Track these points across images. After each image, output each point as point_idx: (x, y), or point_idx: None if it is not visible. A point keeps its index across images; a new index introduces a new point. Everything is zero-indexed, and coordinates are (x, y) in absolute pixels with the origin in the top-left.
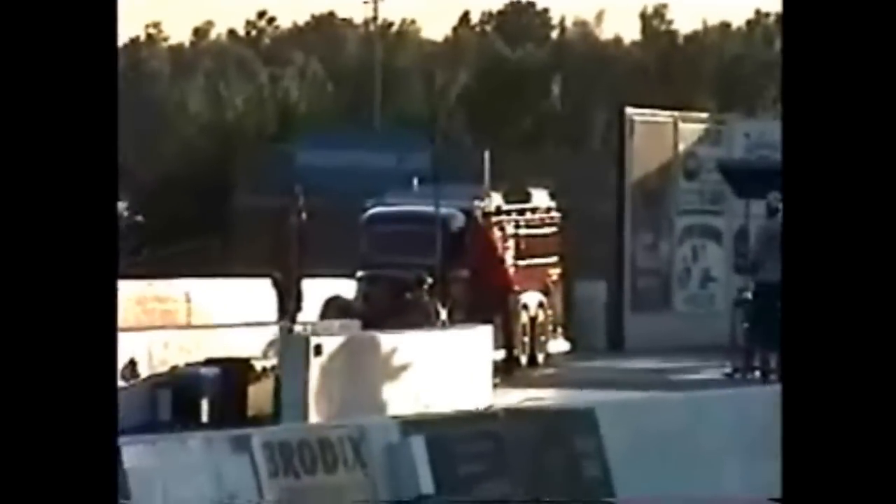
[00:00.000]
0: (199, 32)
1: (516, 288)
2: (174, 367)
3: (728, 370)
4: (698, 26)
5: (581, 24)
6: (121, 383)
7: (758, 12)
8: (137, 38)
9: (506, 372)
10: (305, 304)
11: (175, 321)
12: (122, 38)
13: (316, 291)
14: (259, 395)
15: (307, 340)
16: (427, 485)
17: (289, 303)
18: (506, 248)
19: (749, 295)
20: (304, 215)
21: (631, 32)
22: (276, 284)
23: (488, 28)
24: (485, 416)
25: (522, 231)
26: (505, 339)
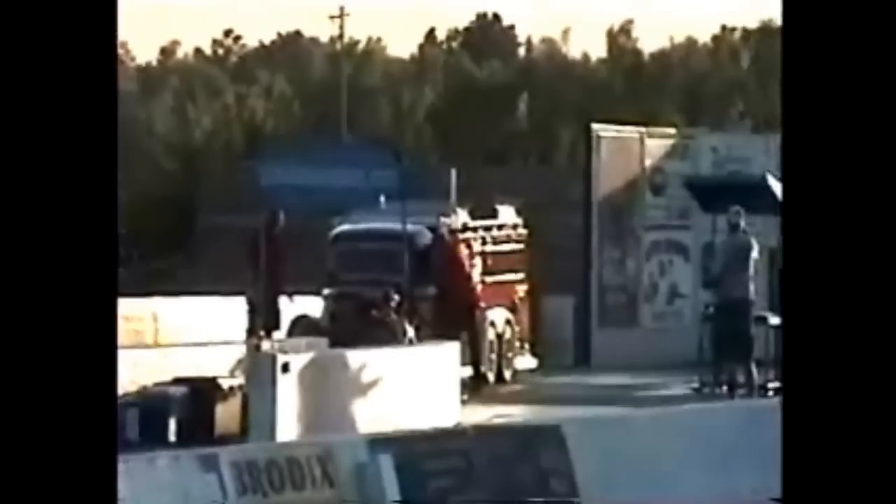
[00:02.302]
0: (166, 51)
1: (483, 304)
2: (142, 387)
3: (696, 385)
4: (664, 43)
5: (547, 42)
6: None
7: (723, 28)
8: None
9: (473, 389)
10: (276, 321)
11: (142, 340)
12: None
13: (283, 309)
14: (227, 414)
15: (274, 359)
16: (395, 502)
17: (259, 321)
18: (472, 265)
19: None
20: (277, 232)
21: (597, 49)
22: (249, 302)
23: (455, 45)
24: (453, 434)
25: (489, 248)
26: (472, 355)
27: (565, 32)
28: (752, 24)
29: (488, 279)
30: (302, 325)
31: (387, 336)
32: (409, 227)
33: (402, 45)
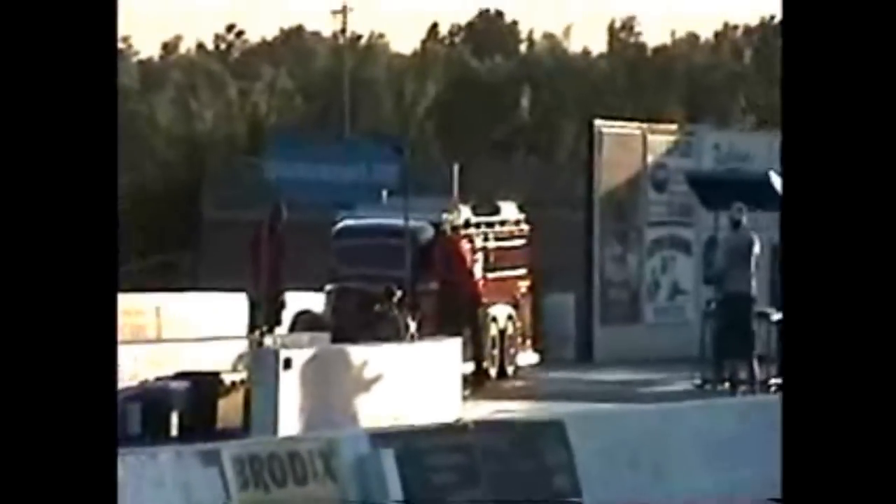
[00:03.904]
0: (169, 47)
1: (485, 300)
2: (144, 381)
3: (697, 382)
4: (666, 38)
5: (549, 37)
6: None
7: (726, 24)
8: None
9: (475, 384)
10: (279, 317)
11: (145, 335)
12: None
13: (285, 304)
14: (229, 409)
15: (277, 354)
16: (397, 497)
17: (261, 316)
18: (475, 261)
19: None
20: (279, 227)
21: (599, 45)
22: (252, 297)
23: (457, 40)
24: (454, 429)
25: (491, 243)
26: (474, 351)
27: (567, 28)
28: (754, 20)
29: (490, 275)
30: (304, 321)
31: (389, 331)
32: (412, 222)
33: (405, 41)
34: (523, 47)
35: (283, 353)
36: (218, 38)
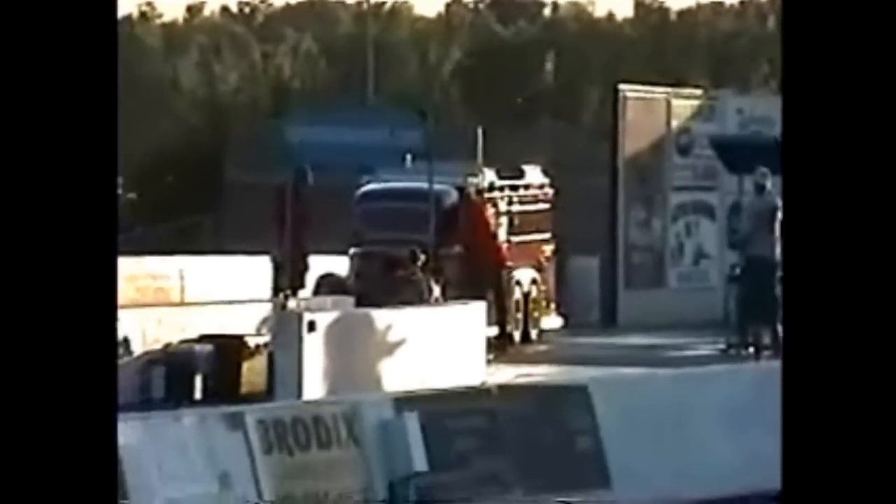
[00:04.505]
0: (193, 10)
1: (509, 264)
2: (167, 345)
3: (722, 346)
4: (691, 3)
5: (574, 2)
6: None
7: None
8: (130, 15)
9: (499, 348)
10: (302, 280)
11: (168, 298)
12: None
13: (309, 267)
14: (253, 372)
15: (300, 317)
16: (421, 461)
17: (285, 279)
18: (499, 225)
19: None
20: (303, 191)
21: (624, 9)
22: (274, 261)
23: (481, 5)
24: (478, 393)
25: (515, 207)
26: (498, 315)
27: None
28: None
29: (514, 239)
30: (328, 284)
31: (413, 295)
32: (436, 186)
33: (429, 5)
34: (547, 11)
35: (307, 317)
36: (242, 2)
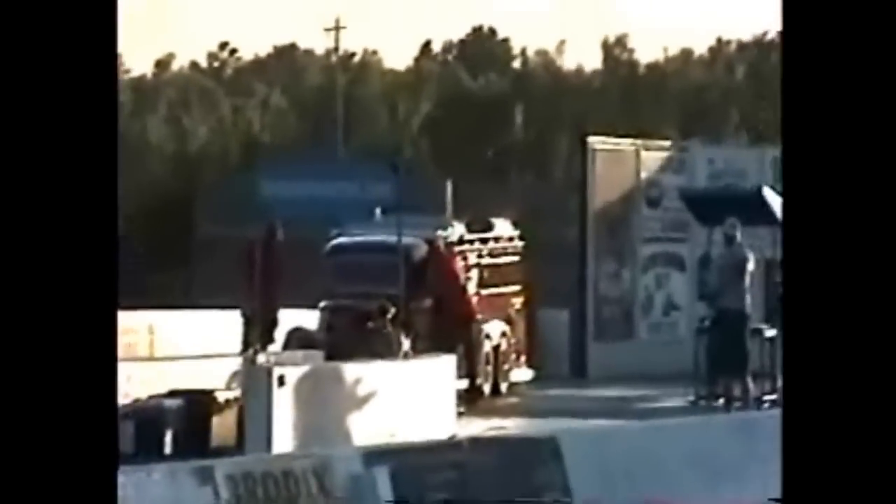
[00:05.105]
0: (161, 64)
1: (479, 317)
2: (137, 399)
3: (692, 398)
4: (660, 55)
5: (542, 54)
6: None
7: (719, 40)
8: None
9: (469, 401)
10: (272, 334)
11: (138, 353)
12: None
13: (279, 322)
14: (223, 427)
15: (270, 371)
16: None
17: (255, 333)
18: (468, 278)
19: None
20: (274, 245)
21: (592, 61)
22: (245, 315)
23: (450, 57)
24: (448, 446)
25: (485, 260)
26: (468, 368)
27: (560, 44)
28: (748, 36)
29: (484, 291)
30: (297, 338)
31: (383, 349)
32: (406, 239)
33: (398, 58)
34: (517, 64)
35: (277, 371)
36: (211, 55)
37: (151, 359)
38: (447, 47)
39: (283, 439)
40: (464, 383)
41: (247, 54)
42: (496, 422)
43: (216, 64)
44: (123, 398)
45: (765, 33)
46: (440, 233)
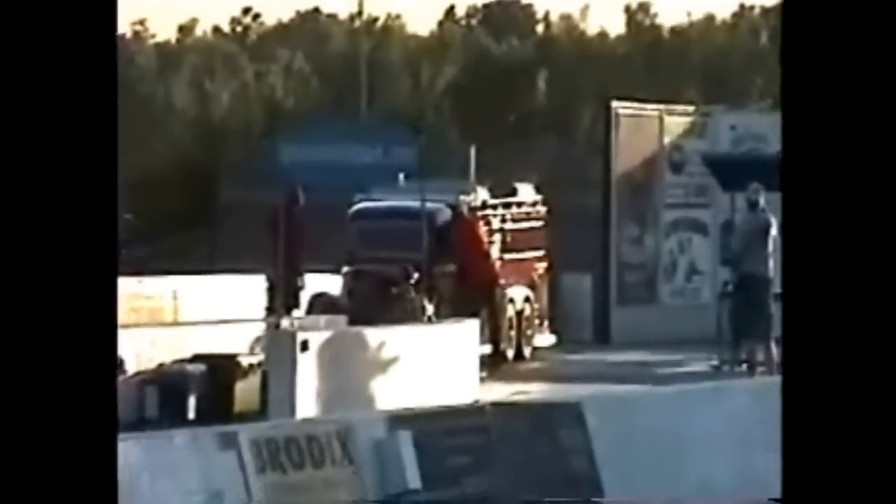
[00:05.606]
0: (185, 29)
1: (502, 282)
2: (161, 365)
3: (715, 363)
4: (683, 20)
5: (566, 19)
6: None
7: (742, 6)
8: (123, 35)
9: (492, 366)
10: (295, 300)
11: (162, 319)
12: None
13: (303, 287)
14: (246, 392)
15: (294, 336)
16: (414, 479)
17: (278, 298)
18: (492, 243)
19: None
20: (297, 210)
21: (616, 26)
22: (269, 280)
23: (474, 22)
24: (471, 411)
25: (508, 225)
26: (491, 333)
27: (584, 9)
28: (771, 1)
29: (507, 256)
30: (321, 303)
31: (406, 314)
32: (429, 204)
33: (422, 22)
34: (540, 28)
35: (300, 336)
36: (234, 20)
37: (175, 324)
38: (471, 12)
39: (307, 404)
40: (487, 348)
41: (270, 19)
42: (519, 387)
43: (239, 29)
44: (148, 363)
45: None
46: (463, 198)
